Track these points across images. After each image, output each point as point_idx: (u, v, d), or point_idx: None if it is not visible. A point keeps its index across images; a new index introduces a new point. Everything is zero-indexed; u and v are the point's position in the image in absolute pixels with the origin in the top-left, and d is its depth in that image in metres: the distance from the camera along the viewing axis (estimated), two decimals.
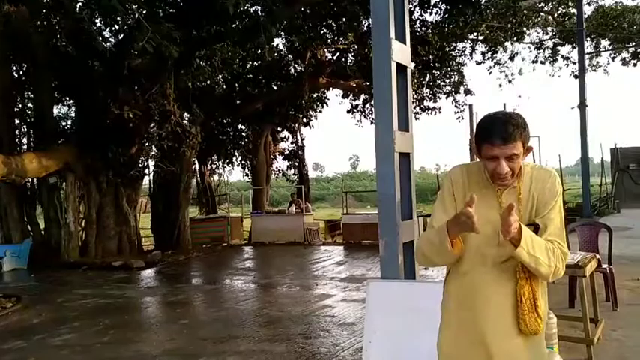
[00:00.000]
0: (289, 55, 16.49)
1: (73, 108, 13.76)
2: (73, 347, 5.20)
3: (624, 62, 19.28)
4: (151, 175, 14.13)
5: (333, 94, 22.42)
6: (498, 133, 1.68)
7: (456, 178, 1.84)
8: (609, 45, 19.33)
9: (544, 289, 1.80)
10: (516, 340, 1.73)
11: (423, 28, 13.94)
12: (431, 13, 13.98)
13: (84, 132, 11.63)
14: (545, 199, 1.77)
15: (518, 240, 1.65)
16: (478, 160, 1.83)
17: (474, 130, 1.81)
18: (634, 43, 18.79)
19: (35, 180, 11.86)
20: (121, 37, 12.18)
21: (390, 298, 3.13)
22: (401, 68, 3.41)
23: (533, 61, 19.48)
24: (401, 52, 3.38)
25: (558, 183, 1.81)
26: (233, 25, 11.92)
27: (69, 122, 14.09)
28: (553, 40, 19.17)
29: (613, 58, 19.60)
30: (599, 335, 4.27)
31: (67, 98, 13.83)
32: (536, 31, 18.88)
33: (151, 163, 13.99)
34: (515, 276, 1.74)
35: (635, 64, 19.02)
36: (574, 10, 16.49)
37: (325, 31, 14.89)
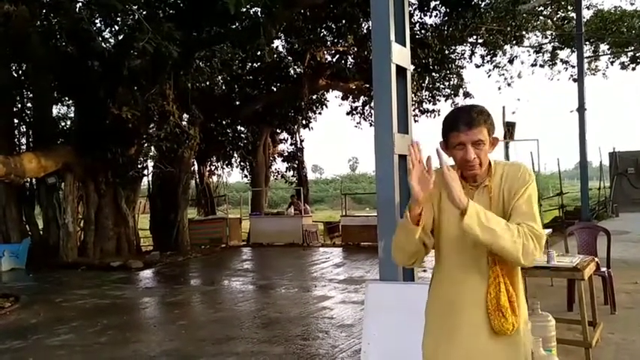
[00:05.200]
0: (289, 57, 16.49)
1: (73, 108, 13.77)
2: (71, 347, 5.19)
3: (623, 66, 19.31)
4: (150, 176, 14.13)
5: (333, 96, 22.41)
6: (462, 119, 1.72)
7: None
8: (608, 49, 19.37)
9: (517, 290, 1.76)
10: (490, 339, 1.74)
11: (423, 31, 13.95)
12: (430, 16, 14.00)
13: (83, 132, 11.62)
14: (514, 189, 1.75)
15: (465, 208, 1.61)
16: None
17: (441, 127, 1.81)
18: (633, 48, 18.82)
19: (34, 180, 11.85)
20: (120, 37, 12.18)
21: (389, 299, 3.14)
22: (400, 70, 3.42)
23: (532, 65, 19.50)
24: (400, 55, 3.39)
25: (529, 174, 1.78)
26: (233, 27, 11.93)
27: (68, 122, 14.10)
28: (552, 44, 19.20)
29: (612, 62, 19.63)
30: (597, 338, 4.27)
31: (67, 98, 13.82)
32: (535, 34, 18.91)
33: (150, 163, 14.01)
34: (487, 274, 1.75)
35: (633, 69, 19.05)
36: (573, 14, 16.52)
37: (325, 33, 14.89)
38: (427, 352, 1.88)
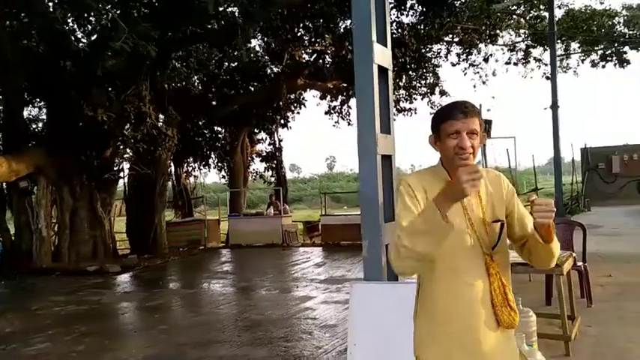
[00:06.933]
0: (266, 57, 16.42)
1: (45, 110, 13.45)
2: (48, 356, 5.06)
3: (593, 64, 19.77)
4: (126, 178, 13.89)
5: (311, 96, 22.38)
6: (459, 109, 1.75)
7: (414, 182, 1.81)
8: (579, 47, 19.81)
9: (510, 283, 1.82)
10: (497, 333, 1.75)
11: (399, 30, 14.05)
12: (407, 15, 14.12)
13: (56, 134, 11.35)
14: (506, 197, 1.83)
15: (550, 232, 1.68)
16: (426, 167, 1.87)
17: (432, 120, 1.82)
18: (602, 46, 19.29)
19: (5, 184, 11.52)
20: (94, 37, 11.94)
21: (374, 300, 3.14)
22: (382, 71, 3.43)
23: (506, 63, 19.78)
24: (382, 55, 3.39)
25: (509, 182, 1.90)
26: (209, 26, 11.81)
27: (40, 124, 13.76)
28: (525, 43, 19.54)
29: (582, 60, 20.09)
30: (576, 332, 4.36)
31: (38, 100, 13.49)
32: (509, 33, 19.20)
33: (126, 165, 13.76)
34: (487, 272, 1.75)
35: (603, 66, 19.51)
36: (545, 14, 16.86)
37: (302, 32, 14.87)
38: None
